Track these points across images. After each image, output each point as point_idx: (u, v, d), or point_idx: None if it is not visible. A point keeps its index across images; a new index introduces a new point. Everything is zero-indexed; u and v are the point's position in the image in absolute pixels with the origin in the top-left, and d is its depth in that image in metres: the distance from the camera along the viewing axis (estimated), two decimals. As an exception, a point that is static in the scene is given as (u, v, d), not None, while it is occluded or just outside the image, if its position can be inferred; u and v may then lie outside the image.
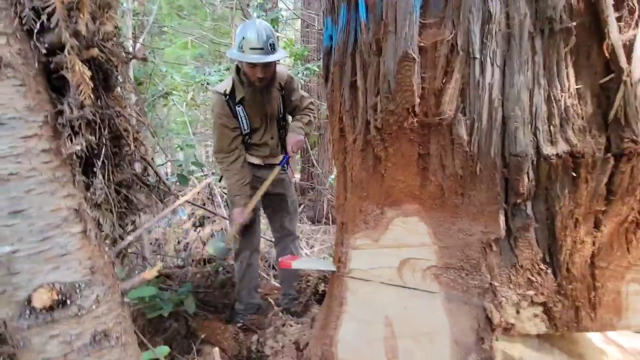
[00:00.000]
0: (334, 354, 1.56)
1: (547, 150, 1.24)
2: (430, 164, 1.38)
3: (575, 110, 1.26)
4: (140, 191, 0.93)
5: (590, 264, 1.27)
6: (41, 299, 0.61)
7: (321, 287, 2.62)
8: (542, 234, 1.28)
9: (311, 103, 2.53)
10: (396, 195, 1.46)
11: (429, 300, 1.41)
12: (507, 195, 1.29)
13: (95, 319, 0.68)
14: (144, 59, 1.41)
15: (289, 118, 2.57)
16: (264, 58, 2.13)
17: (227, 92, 2.29)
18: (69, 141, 0.67)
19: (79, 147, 0.69)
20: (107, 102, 0.78)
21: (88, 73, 0.69)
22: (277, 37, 2.52)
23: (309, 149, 6.05)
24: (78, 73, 0.66)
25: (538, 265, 1.28)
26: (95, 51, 0.73)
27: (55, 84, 0.72)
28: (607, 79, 1.26)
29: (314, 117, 2.56)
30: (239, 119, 2.31)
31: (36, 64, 0.66)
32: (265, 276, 3.23)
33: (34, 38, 0.65)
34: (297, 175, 7.04)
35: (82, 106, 0.68)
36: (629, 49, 1.25)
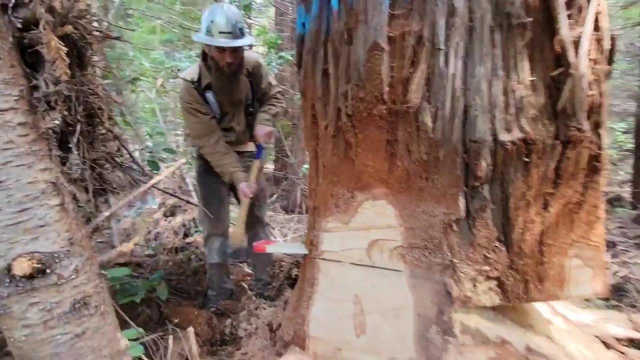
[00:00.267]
0: (306, 332, 1.63)
1: (503, 137, 1.34)
2: (398, 150, 1.46)
3: (529, 100, 1.37)
4: (114, 171, 0.94)
5: (539, 241, 1.39)
6: (21, 268, 0.63)
7: (294, 272, 2.68)
8: (497, 215, 1.39)
9: (279, 92, 2.53)
10: (366, 180, 1.53)
11: (395, 278, 1.50)
12: (466, 179, 1.39)
13: (74, 288, 0.70)
14: (117, 38, 1.38)
15: (258, 106, 2.56)
16: (233, 42, 2.11)
17: (195, 78, 2.26)
18: (46, 115, 0.68)
19: (58, 122, 0.70)
20: (81, 80, 0.79)
21: (64, 49, 0.69)
22: (250, 24, 2.50)
23: (283, 139, 6.05)
24: (54, 49, 0.67)
25: (493, 243, 1.39)
26: (69, 28, 0.73)
27: (29, 59, 0.72)
28: (557, 72, 1.37)
29: (282, 107, 2.56)
30: (210, 104, 2.30)
31: (10, 39, 0.66)
32: (238, 263, 3.25)
33: (9, 13, 0.65)
34: (271, 166, 7.03)
35: (57, 82, 0.69)
36: (577, 44, 1.37)
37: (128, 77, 4.39)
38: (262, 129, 2.35)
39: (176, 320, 2.13)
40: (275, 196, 5.82)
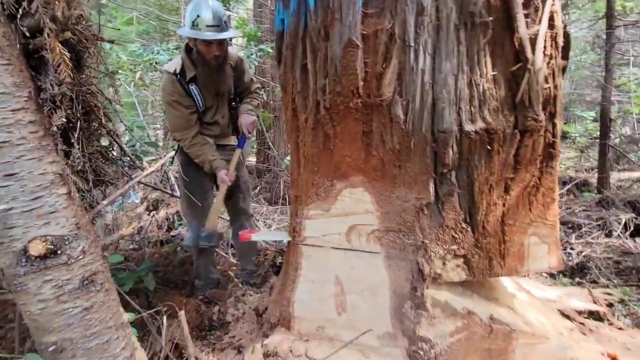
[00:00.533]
0: (291, 313, 1.73)
1: (468, 127, 1.46)
2: (373, 140, 1.56)
3: (491, 93, 1.49)
4: (108, 164, 1.00)
5: (501, 221, 1.53)
6: (37, 249, 0.71)
7: (279, 260, 2.77)
8: (463, 198, 1.52)
9: (258, 87, 2.63)
10: (344, 169, 1.64)
11: (372, 259, 1.61)
12: (435, 166, 1.51)
13: (82, 267, 0.78)
14: (112, 42, 1.42)
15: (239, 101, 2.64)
16: (221, 35, 2.17)
17: (178, 71, 2.30)
18: (52, 114, 0.75)
19: (64, 120, 0.76)
20: (79, 81, 0.85)
21: (67, 54, 0.76)
22: (229, 15, 2.55)
23: (265, 131, 6.09)
24: (58, 54, 0.73)
25: (460, 224, 1.52)
26: (68, 34, 0.80)
27: (32, 63, 0.78)
28: (516, 67, 1.49)
29: (261, 101, 2.65)
30: (194, 97, 2.34)
31: (17, 46, 0.72)
32: (224, 254, 3.32)
33: (17, 22, 0.71)
34: (253, 159, 7.06)
35: (61, 83, 0.75)
36: (534, 41, 1.49)
37: (106, 70, 4.33)
38: (246, 118, 2.42)
39: (165, 309, 2.20)
40: (258, 188, 5.88)
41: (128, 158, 1.08)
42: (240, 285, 2.40)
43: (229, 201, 2.66)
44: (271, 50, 5.03)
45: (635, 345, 1.99)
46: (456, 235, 1.52)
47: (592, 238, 3.73)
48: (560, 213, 4.31)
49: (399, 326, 1.53)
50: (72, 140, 0.86)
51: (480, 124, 1.47)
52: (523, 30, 1.47)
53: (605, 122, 4.92)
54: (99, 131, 0.98)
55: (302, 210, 1.75)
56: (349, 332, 1.60)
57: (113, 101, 1.16)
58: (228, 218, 3.07)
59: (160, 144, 6.35)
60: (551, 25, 1.53)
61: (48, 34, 0.73)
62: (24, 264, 0.70)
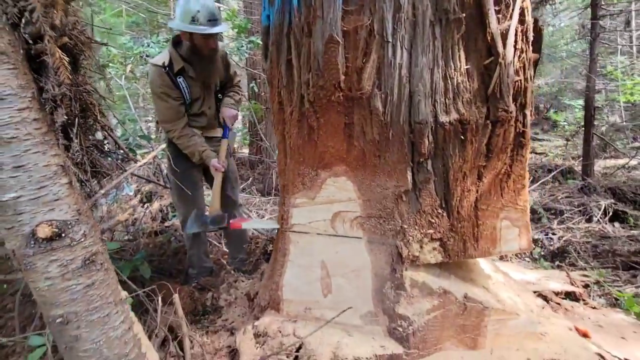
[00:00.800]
0: (280, 296, 1.84)
1: (443, 118, 1.56)
2: (354, 132, 1.65)
3: (464, 86, 1.58)
4: (103, 157, 1.08)
5: (474, 207, 1.64)
6: (43, 232, 0.80)
7: (269, 248, 2.87)
8: (439, 186, 1.62)
9: (239, 81, 2.74)
10: (327, 159, 1.72)
11: (355, 244, 1.72)
12: (412, 156, 1.60)
13: (84, 248, 0.87)
14: (105, 44, 1.49)
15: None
16: (219, 28, 2.29)
17: (166, 64, 2.37)
18: (54, 112, 0.82)
19: (65, 118, 0.84)
20: (76, 81, 0.93)
21: (66, 58, 0.83)
22: (219, 7, 2.63)
23: (257, 123, 6.14)
24: (58, 58, 0.81)
25: (436, 210, 1.62)
26: (66, 39, 0.87)
27: (34, 67, 0.85)
28: (488, 61, 1.58)
29: (242, 96, 2.76)
30: (182, 89, 2.42)
31: (21, 51, 0.79)
32: (217, 244, 3.41)
33: (20, 30, 0.78)
34: (246, 150, 7.12)
35: (61, 84, 0.83)
36: (505, 36, 1.58)
37: (97, 63, 4.34)
38: (229, 112, 2.53)
39: (160, 296, 2.29)
40: (251, 179, 5.95)
41: (122, 151, 1.16)
42: (232, 272, 2.50)
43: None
44: (261, 43, 5.04)
45: (607, 322, 2.13)
46: (433, 220, 1.62)
47: (573, 223, 3.87)
48: (543, 200, 4.47)
49: (380, 306, 1.64)
50: (71, 135, 0.95)
51: (454, 115, 1.56)
52: (494, 25, 1.56)
53: (589, 110, 5.04)
54: (95, 126, 1.06)
55: (289, 199, 1.84)
56: (334, 313, 1.71)
57: (106, 98, 1.23)
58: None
59: (153, 136, 6.38)
60: (522, 21, 1.61)
61: (48, 40, 0.81)
62: (32, 245, 0.79)
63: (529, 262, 3.37)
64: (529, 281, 2.61)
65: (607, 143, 7.23)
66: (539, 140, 9.63)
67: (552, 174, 5.56)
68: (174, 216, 3.82)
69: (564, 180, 5.67)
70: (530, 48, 1.67)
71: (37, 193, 0.81)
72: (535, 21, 1.71)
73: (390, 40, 1.56)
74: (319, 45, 1.60)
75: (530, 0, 1.66)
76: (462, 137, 1.58)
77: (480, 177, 1.63)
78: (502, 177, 1.65)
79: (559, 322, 1.88)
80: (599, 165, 6.34)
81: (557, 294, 2.46)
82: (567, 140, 7.34)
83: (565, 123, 9.42)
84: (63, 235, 0.83)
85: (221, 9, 6.06)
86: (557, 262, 3.28)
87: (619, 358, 1.68)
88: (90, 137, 1.04)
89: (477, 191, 1.63)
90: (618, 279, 2.89)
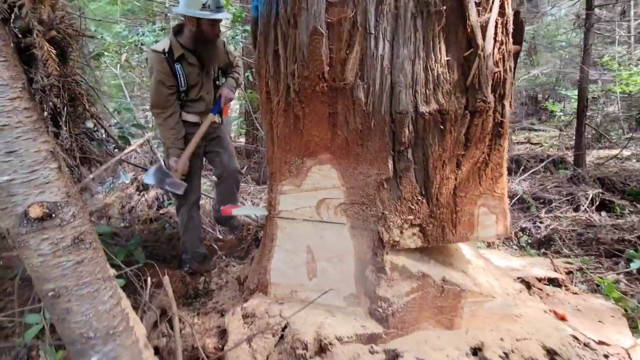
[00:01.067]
0: (268, 279, 1.91)
1: (423, 108, 1.61)
2: (338, 121, 1.71)
3: (444, 77, 1.63)
4: (93, 144, 1.14)
5: (453, 194, 1.70)
6: (35, 212, 0.86)
7: (260, 234, 2.95)
8: (419, 173, 1.69)
9: (238, 63, 2.88)
10: (313, 148, 1.78)
11: (339, 229, 1.79)
12: (393, 144, 1.66)
13: (73, 228, 0.94)
14: (92, 37, 1.53)
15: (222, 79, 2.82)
16: (225, 14, 2.47)
17: (166, 50, 2.45)
18: (44, 101, 0.88)
19: (53, 105, 0.90)
20: (64, 72, 0.98)
21: (53, 50, 0.89)
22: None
23: (252, 112, 6.17)
24: (46, 50, 0.86)
25: (416, 197, 1.69)
26: (54, 32, 0.92)
27: (24, 59, 0.90)
28: (468, 52, 1.63)
29: (240, 76, 2.91)
30: (177, 77, 2.50)
31: (11, 45, 0.84)
32: (211, 231, 3.49)
33: (10, 25, 0.84)
34: (242, 139, 7.16)
35: (49, 75, 0.89)
36: (484, 29, 1.63)
37: (92, 53, 4.37)
38: (226, 91, 2.69)
39: (153, 280, 2.37)
40: (246, 168, 6.01)
41: (112, 139, 1.21)
42: (224, 257, 2.58)
43: (216, 161, 2.83)
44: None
45: (586, 307, 2.21)
46: (413, 207, 1.69)
47: (561, 212, 3.96)
48: (533, 189, 4.54)
49: (361, 288, 1.72)
50: (60, 123, 1.01)
51: (434, 106, 1.62)
52: (474, 18, 1.60)
53: (582, 101, 5.08)
54: (84, 115, 1.12)
55: (276, 186, 1.90)
56: (319, 295, 1.79)
57: (95, 88, 1.28)
58: (214, 197, 3.22)
59: (150, 125, 6.41)
60: (502, 13, 1.66)
61: (37, 34, 0.86)
62: (25, 224, 0.86)
63: (516, 249, 3.46)
64: (513, 268, 2.69)
65: (601, 134, 7.28)
66: (535, 130, 9.68)
67: (543, 163, 5.63)
68: (170, 204, 3.89)
69: (556, 170, 5.75)
70: (511, 40, 1.72)
71: (29, 176, 0.88)
72: (516, 13, 1.76)
73: (372, 32, 1.61)
74: (303, 37, 1.64)
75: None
76: (442, 127, 1.63)
77: (459, 166, 1.69)
78: (480, 166, 1.71)
79: (534, 304, 1.97)
80: (592, 155, 6.40)
81: (540, 280, 2.54)
82: (560, 130, 7.38)
83: (561, 113, 9.45)
84: (53, 215, 0.90)
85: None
86: (542, 250, 3.37)
87: (593, 340, 1.75)
88: (80, 125, 1.10)
89: (455, 179, 1.69)
90: (600, 266, 2.98)
